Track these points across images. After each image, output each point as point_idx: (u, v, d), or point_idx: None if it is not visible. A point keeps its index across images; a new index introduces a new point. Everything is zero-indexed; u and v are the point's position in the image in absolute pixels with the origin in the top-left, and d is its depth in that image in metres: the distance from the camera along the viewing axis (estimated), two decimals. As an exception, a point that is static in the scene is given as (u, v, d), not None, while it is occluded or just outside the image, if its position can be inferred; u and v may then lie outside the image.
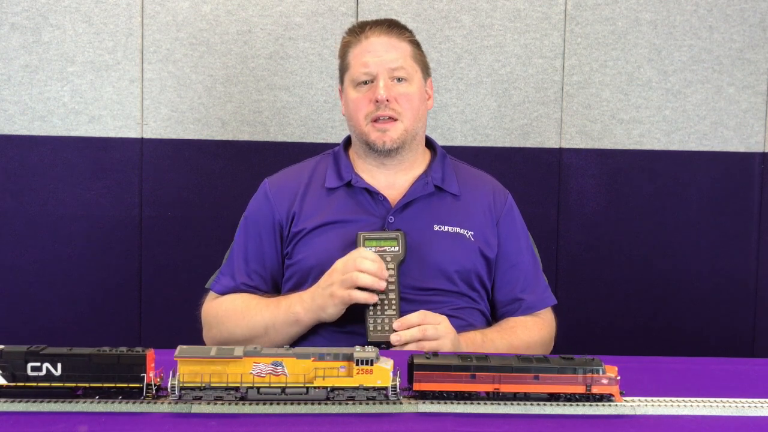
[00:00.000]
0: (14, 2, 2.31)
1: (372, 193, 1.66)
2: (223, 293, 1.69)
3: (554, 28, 2.39)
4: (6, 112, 2.33)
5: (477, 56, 2.39)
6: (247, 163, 2.36)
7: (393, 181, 1.69)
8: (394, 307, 1.49)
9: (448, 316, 1.58)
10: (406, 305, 1.56)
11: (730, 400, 1.13)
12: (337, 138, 2.31)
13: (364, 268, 1.46)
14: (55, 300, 2.35)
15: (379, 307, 1.49)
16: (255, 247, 1.69)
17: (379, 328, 1.48)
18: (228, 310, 1.64)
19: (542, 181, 2.41)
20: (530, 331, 1.66)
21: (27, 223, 2.34)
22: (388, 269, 1.51)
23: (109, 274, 2.36)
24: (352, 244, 1.58)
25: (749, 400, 1.14)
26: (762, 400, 1.14)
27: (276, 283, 1.71)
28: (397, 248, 1.54)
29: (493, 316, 1.74)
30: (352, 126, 1.69)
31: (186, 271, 2.36)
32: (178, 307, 2.35)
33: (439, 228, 1.64)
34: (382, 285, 1.48)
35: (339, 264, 1.50)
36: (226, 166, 2.36)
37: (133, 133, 2.35)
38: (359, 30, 1.67)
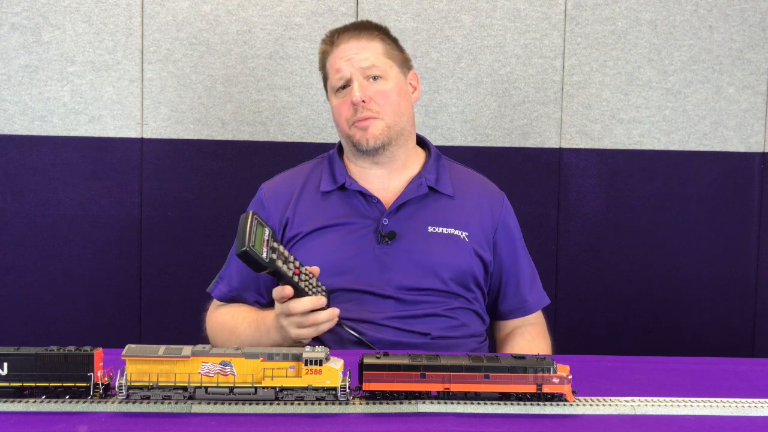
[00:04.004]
0: (14, 2, 2.31)
1: (366, 195, 1.66)
2: (220, 298, 1.73)
3: (554, 28, 2.39)
4: (6, 112, 2.33)
5: (477, 56, 2.39)
6: (247, 163, 2.36)
7: (387, 183, 1.70)
8: (314, 283, 1.45)
9: (443, 316, 1.61)
10: (400, 305, 1.59)
11: (730, 400, 1.13)
12: (337, 138, 2.30)
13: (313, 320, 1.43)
14: (55, 300, 2.35)
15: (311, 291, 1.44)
16: None
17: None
18: (219, 324, 1.69)
19: (542, 181, 2.41)
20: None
21: (27, 223, 2.34)
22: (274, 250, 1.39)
23: (109, 274, 2.36)
24: (348, 247, 1.60)
25: (749, 400, 1.14)
26: (762, 400, 1.14)
27: (269, 289, 1.71)
28: (267, 230, 1.38)
29: (493, 318, 1.76)
30: (339, 131, 1.72)
31: (186, 271, 2.36)
32: (178, 307, 2.35)
33: (434, 229, 1.64)
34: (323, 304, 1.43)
35: (277, 308, 1.46)
36: (226, 166, 2.36)
37: (133, 133, 2.35)
38: (330, 38, 1.71)
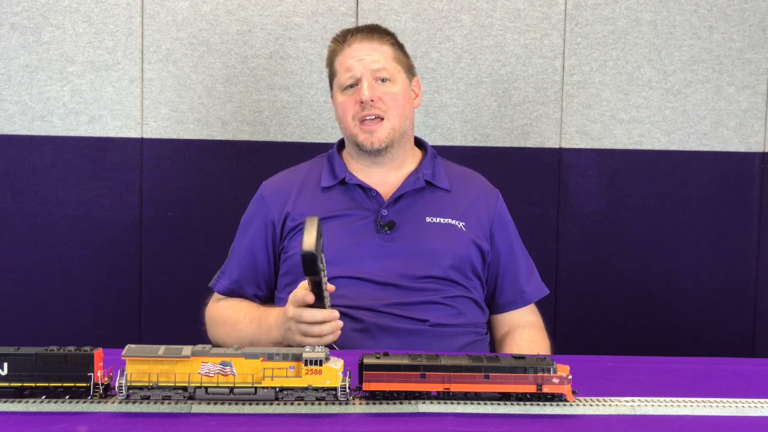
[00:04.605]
0: (14, 2, 2.31)
1: (365, 189, 1.72)
2: (221, 292, 1.76)
3: (554, 28, 2.39)
4: (6, 112, 2.32)
5: (477, 56, 2.39)
6: (247, 163, 2.36)
7: (385, 178, 1.75)
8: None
9: (441, 304, 1.64)
10: (400, 292, 1.62)
11: (730, 400, 1.13)
12: (337, 138, 2.30)
13: (316, 332, 1.43)
14: (55, 300, 2.35)
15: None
16: (247, 250, 1.75)
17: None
18: (221, 318, 1.72)
19: (542, 181, 2.41)
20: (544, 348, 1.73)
21: (27, 223, 2.34)
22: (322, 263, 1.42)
23: (109, 274, 2.36)
24: (348, 236, 1.64)
25: (749, 400, 1.14)
26: (762, 400, 1.14)
27: (268, 283, 1.76)
28: (321, 239, 1.39)
29: (491, 311, 1.78)
30: (343, 128, 1.76)
31: (186, 271, 2.36)
32: (178, 307, 2.35)
33: (432, 219, 1.70)
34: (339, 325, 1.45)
35: (290, 311, 1.46)
36: (226, 166, 2.36)
37: (133, 133, 2.35)
38: (342, 38, 1.75)
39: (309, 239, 1.29)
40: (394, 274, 1.63)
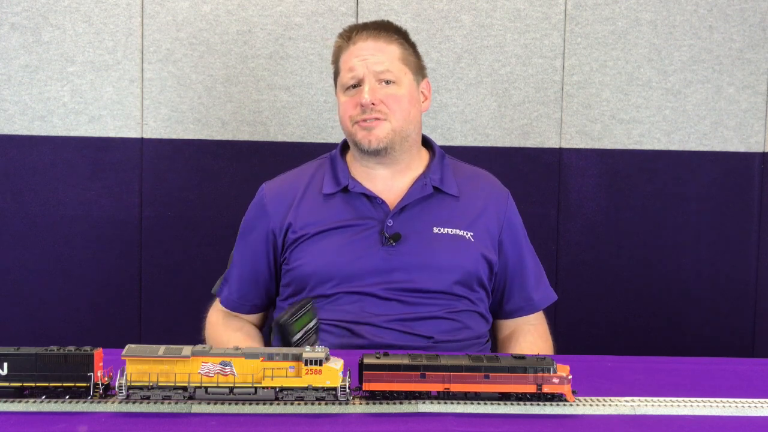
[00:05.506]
0: (14, 2, 2.31)
1: (370, 197, 1.64)
2: (224, 304, 1.72)
3: (554, 28, 2.39)
4: (6, 112, 2.32)
5: (477, 56, 2.39)
6: (247, 163, 2.36)
7: (391, 184, 1.67)
8: None
9: (446, 318, 1.59)
10: (403, 307, 1.57)
11: (730, 400, 1.13)
12: (337, 138, 2.31)
13: None
14: (55, 300, 2.35)
15: None
16: (248, 261, 1.70)
17: None
18: (214, 335, 1.69)
19: (542, 181, 2.41)
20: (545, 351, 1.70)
21: (27, 223, 2.34)
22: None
23: (109, 274, 2.36)
24: (353, 250, 1.59)
25: (749, 400, 1.14)
26: (762, 400, 1.14)
27: (269, 292, 1.72)
28: (314, 321, 1.39)
29: (497, 316, 1.75)
30: (343, 129, 1.69)
31: (186, 271, 2.36)
32: (178, 307, 2.35)
33: (439, 230, 1.62)
34: None
35: None
36: (226, 166, 2.36)
37: (133, 133, 2.35)
38: (348, 34, 1.67)
39: (287, 312, 1.31)
40: (398, 289, 1.57)
